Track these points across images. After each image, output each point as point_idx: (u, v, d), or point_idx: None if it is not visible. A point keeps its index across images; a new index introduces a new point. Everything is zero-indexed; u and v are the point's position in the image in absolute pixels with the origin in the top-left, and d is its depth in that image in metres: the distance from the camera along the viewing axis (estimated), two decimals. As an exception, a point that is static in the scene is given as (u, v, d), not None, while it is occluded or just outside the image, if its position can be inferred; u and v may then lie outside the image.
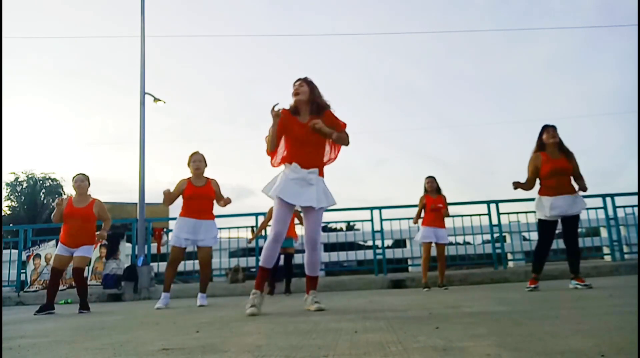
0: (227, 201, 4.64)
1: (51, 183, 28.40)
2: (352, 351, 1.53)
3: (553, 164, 4.25)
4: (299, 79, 3.27)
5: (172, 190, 4.53)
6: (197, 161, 4.61)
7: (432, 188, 5.91)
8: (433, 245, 5.79)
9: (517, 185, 4.33)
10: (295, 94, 3.21)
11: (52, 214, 4.80)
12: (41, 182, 28.37)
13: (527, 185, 4.39)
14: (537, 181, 4.41)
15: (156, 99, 9.14)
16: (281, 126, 3.14)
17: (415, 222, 6.01)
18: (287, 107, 3.25)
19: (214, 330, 2.37)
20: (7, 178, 27.27)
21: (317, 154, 3.20)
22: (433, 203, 5.81)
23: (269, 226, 6.39)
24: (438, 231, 5.78)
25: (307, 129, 3.14)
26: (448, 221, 7.73)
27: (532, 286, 4.28)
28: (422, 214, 5.94)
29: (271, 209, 6.48)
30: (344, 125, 3.20)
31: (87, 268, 7.57)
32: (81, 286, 4.75)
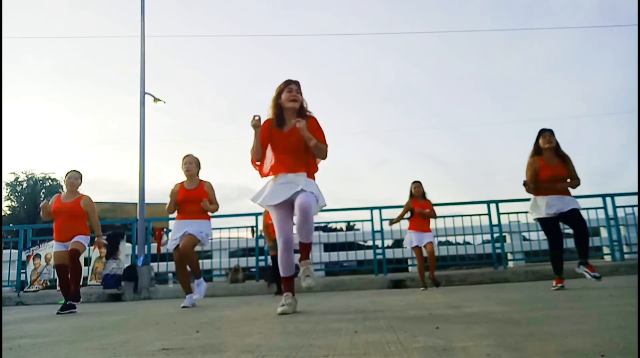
0: (212, 210, 4.60)
1: (51, 183, 28.42)
2: (352, 351, 1.53)
3: (551, 171, 4.26)
4: (291, 83, 3.16)
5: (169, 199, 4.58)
6: (188, 163, 4.60)
7: (419, 193, 5.97)
8: (423, 246, 5.87)
9: (528, 187, 4.31)
10: (293, 100, 3.12)
11: (42, 205, 4.77)
12: (41, 182, 28.39)
13: (531, 188, 4.34)
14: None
15: (156, 99, 9.15)
16: (267, 137, 3.13)
17: (392, 224, 6.03)
18: (269, 117, 3.19)
19: (214, 330, 2.37)
20: (7, 178, 27.33)
21: (303, 160, 3.13)
22: (420, 208, 5.88)
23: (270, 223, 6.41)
24: (423, 236, 5.84)
25: (290, 138, 3.10)
26: (448, 221, 7.81)
27: (559, 285, 4.21)
28: (407, 216, 5.99)
29: (265, 212, 6.46)
30: (325, 140, 3.11)
31: (87, 268, 7.62)
32: (75, 269, 4.59)
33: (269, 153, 3.18)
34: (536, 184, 4.32)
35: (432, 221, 6.07)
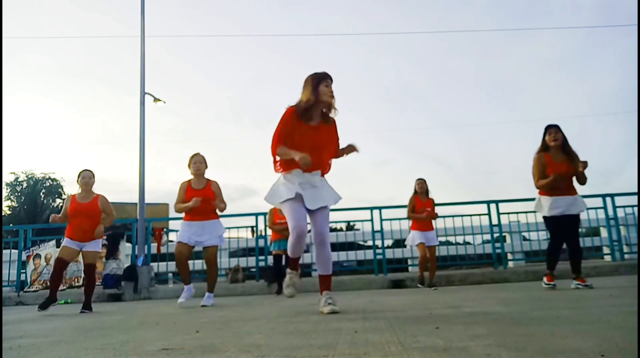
0: (222, 208, 4.63)
1: (51, 183, 28.43)
2: (352, 351, 1.53)
3: (555, 168, 4.20)
4: (328, 77, 2.97)
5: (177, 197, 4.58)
6: (198, 163, 4.62)
7: (422, 190, 5.97)
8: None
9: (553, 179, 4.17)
10: (331, 96, 2.95)
11: (51, 219, 4.81)
12: (41, 182, 28.39)
13: (550, 182, 4.19)
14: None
15: (156, 99, 9.14)
16: (290, 128, 2.93)
17: (411, 216, 5.98)
18: (297, 104, 2.97)
19: (214, 330, 2.37)
20: (7, 178, 27.32)
21: (320, 159, 3.03)
22: (422, 206, 5.91)
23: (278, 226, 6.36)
24: (427, 234, 5.89)
25: (318, 135, 2.96)
26: (448, 221, 7.81)
27: (551, 283, 4.26)
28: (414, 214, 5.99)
29: (271, 211, 6.44)
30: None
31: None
32: (91, 284, 4.78)
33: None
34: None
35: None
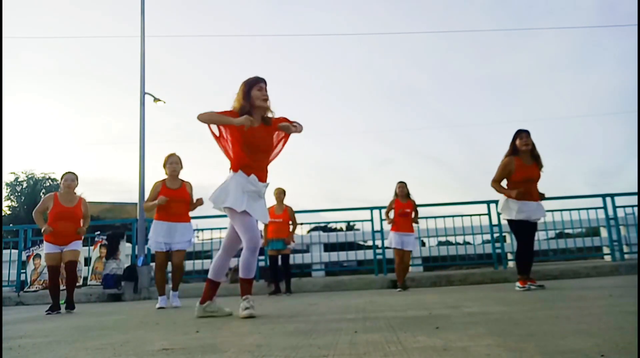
0: (199, 203, 4.66)
1: (51, 183, 28.41)
2: (352, 351, 1.54)
3: (526, 172, 4.38)
4: (263, 81, 3.00)
5: (147, 198, 4.62)
6: (174, 163, 4.63)
7: (402, 193, 6.07)
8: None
9: (515, 193, 4.34)
10: (265, 99, 2.97)
11: (35, 211, 4.82)
12: (41, 182, 28.39)
13: (498, 186, 4.47)
14: (505, 182, 4.51)
15: (156, 99, 9.15)
16: (236, 130, 2.92)
17: (387, 219, 6.07)
18: (234, 109, 2.98)
19: (214, 330, 2.37)
20: (7, 178, 27.31)
21: (267, 162, 3.05)
22: (401, 208, 5.99)
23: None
24: (405, 237, 5.95)
25: (260, 136, 2.95)
26: (448, 221, 7.82)
27: (525, 286, 4.31)
28: (392, 216, 6.05)
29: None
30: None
31: (87, 268, 7.64)
32: (72, 280, 4.79)
33: (234, 146, 2.97)
34: (500, 183, 4.48)
35: (421, 221, 6.19)
